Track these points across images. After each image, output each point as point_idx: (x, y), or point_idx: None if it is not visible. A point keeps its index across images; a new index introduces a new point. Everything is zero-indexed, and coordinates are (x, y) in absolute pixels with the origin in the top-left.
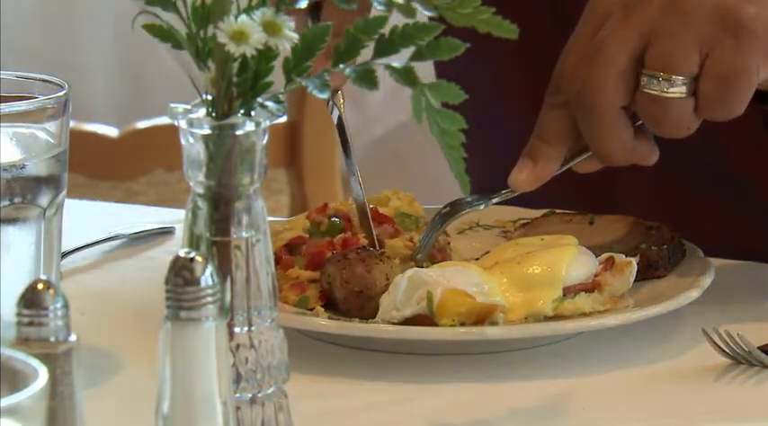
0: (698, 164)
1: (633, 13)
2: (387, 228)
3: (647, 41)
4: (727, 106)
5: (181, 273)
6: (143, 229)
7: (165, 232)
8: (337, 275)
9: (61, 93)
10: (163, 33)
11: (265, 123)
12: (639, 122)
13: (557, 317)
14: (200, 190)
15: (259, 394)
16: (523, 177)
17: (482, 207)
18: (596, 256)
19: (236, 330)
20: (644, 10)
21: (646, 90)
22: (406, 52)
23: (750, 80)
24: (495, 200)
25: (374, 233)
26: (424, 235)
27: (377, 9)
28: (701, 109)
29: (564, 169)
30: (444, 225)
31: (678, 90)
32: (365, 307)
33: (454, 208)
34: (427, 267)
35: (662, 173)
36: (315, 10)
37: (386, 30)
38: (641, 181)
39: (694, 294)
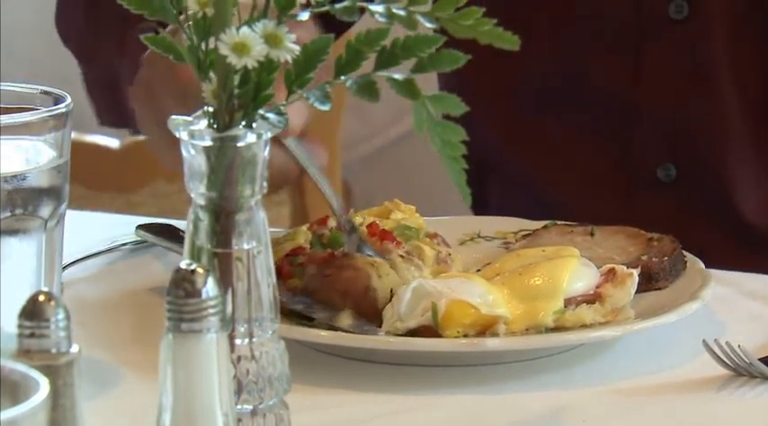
0: (698, 188)
1: None
2: (387, 245)
3: None
4: None
5: (182, 285)
6: (144, 240)
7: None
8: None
9: (63, 105)
10: (164, 45)
11: (267, 135)
12: None
13: (558, 329)
14: (202, 202)
15: (260, 406)
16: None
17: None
18: (597, 268)
19: (238, 341)
20: None
21: None
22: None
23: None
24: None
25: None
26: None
27: (379, 21)
28: None
29: None
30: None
31: None
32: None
33: None
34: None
35: (665, 197)
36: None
37: (387, 42)
38: (645, 200)
39: (695, 306)
